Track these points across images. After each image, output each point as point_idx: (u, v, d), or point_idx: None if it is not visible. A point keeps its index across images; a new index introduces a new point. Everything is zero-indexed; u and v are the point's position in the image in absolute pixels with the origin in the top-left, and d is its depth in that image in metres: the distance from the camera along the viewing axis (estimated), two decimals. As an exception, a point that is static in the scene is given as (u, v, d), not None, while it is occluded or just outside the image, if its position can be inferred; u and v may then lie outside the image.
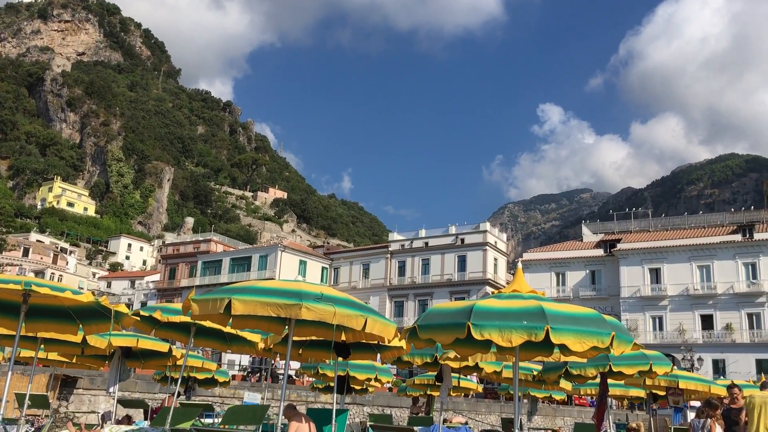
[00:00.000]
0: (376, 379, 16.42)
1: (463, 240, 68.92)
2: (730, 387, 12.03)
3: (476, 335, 7.21)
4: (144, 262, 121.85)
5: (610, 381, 13.31)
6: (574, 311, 7.64)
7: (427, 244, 70.82)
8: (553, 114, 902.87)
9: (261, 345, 12.22)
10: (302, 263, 73.91)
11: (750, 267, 55.71)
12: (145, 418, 15.79)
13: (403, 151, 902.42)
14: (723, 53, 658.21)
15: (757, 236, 56.34)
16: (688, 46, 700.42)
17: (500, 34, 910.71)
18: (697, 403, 25.38)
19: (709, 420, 11.14)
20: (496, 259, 69.31)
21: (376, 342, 10.36)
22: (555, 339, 7.09)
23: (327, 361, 13.12)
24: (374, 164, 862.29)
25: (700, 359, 47.70)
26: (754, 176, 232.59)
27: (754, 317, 54.75)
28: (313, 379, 18.96)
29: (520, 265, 11.01)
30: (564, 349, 7.71)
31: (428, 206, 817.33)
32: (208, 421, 17.09)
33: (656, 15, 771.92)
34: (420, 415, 18.54)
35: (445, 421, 21.18)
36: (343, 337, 9.79)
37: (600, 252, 63.54)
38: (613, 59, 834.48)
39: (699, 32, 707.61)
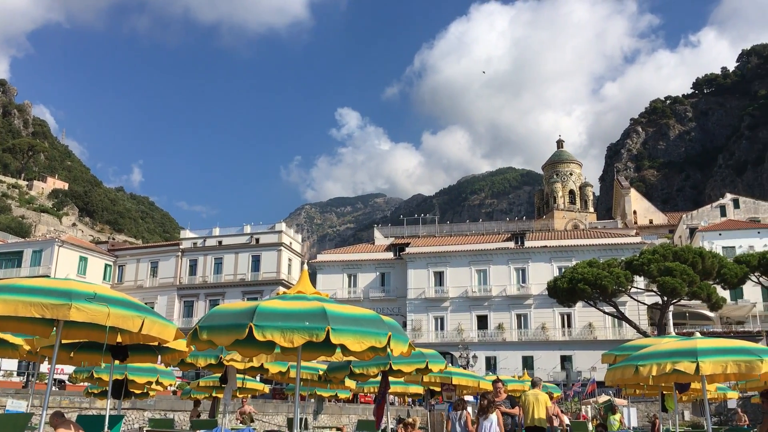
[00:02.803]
0: (157, 383, 15.74)
1: (258, 240, 68.49)
2: (495, 382, 13.51)
3: (258, 336, 7.19)
4: None
5: (390, 378, 13.90)
6: (354, 312, 7.89)
7: (220, 242, 69.45)
8: (350, 119, 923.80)
9: (26, 347, 11.26)
10: (83, 260, 68.92)
11: (520, 272, 61.23)
12: None
13: (200, 146, 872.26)
14: (504, 74, 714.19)
15: (527, 244, 62.09)
16: (475, 65, 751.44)
17: (305, 37, 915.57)
18: (470, 398, 27.50)
19: (464, 412, 12.30)
20: (290, 260, 69.62)
21: (156, 343, 9.96)
22: (335, 339, 7.27)
23: (102, 364, 12.35)
24: (168, 157, 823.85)
25: (474, 357, 51.50)
26: (528, 189, 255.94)
27: (522, 318, 60.24)
28: (88, 383, 17.79)
29: (305, 267, 11.21)
30: (344, 349, 7.92)
31: (225, 203, 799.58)
32: (-40, 433, 15.36)
33: (449, 32, 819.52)
34: (202, 417, 18.08)
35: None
36: (119, 339, 9.28)
37: (390, 255, 66.28)
38: (408, 70, 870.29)
39: (484, 53, 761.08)
